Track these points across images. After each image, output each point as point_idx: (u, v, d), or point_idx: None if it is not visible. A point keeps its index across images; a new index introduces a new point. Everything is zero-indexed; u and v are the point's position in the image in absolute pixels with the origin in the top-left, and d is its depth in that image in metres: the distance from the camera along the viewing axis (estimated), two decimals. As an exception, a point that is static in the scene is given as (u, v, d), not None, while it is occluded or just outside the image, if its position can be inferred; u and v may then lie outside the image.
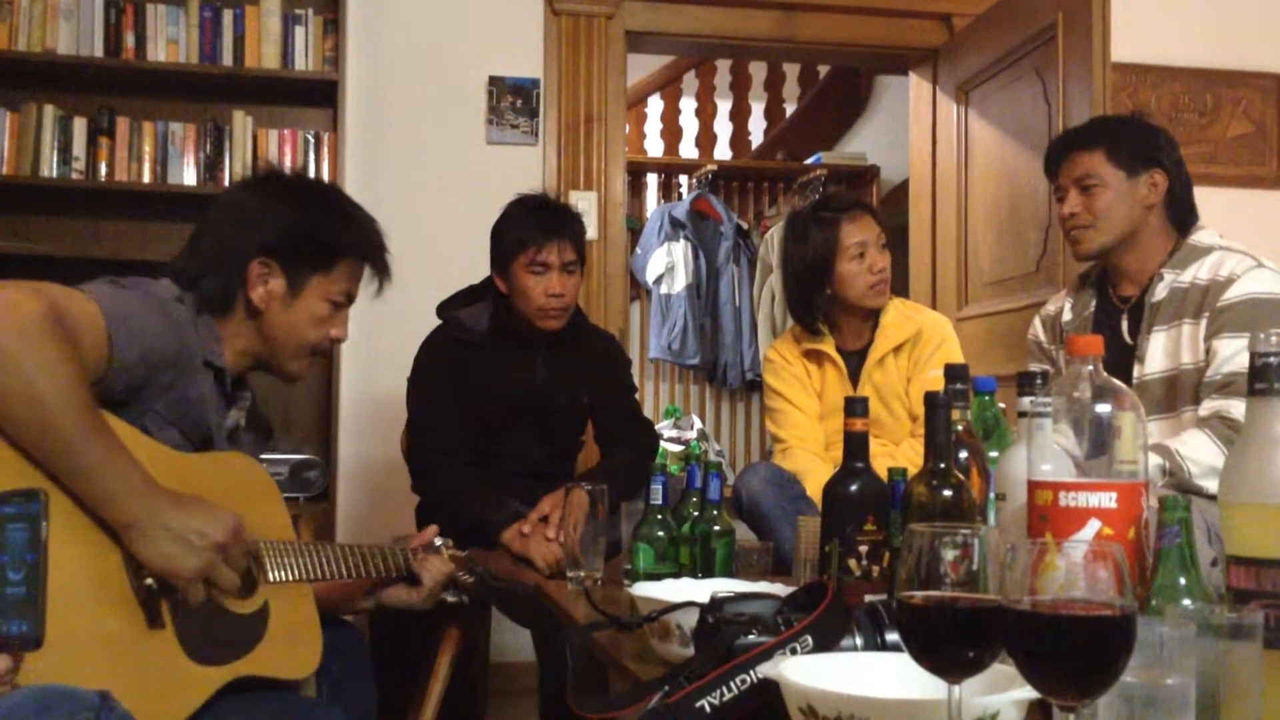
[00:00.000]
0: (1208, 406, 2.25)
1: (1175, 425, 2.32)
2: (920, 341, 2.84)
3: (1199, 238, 2.40)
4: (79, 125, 3.52)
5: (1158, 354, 2.34)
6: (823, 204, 2.93)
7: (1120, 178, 2.40)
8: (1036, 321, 2.71)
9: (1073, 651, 0.86)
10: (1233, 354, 2.22)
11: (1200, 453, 2.20)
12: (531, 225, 2.75)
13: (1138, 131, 2.47)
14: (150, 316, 1.57)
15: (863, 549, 1.53)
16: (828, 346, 2.87)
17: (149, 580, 1.42)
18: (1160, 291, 2.35)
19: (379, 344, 3.73)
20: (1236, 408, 2.18)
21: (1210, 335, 2.27)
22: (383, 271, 1.89)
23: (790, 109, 6.48)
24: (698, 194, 5.75)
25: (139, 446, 1.48)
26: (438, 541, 2.03)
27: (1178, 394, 2.32)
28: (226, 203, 1.84)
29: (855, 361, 2.87)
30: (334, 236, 1.79)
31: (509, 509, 2.59)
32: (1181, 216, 2.43)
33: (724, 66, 6.31)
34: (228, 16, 3.60)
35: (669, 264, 5.62)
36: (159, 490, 1.43)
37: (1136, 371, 2.36)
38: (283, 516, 1.74)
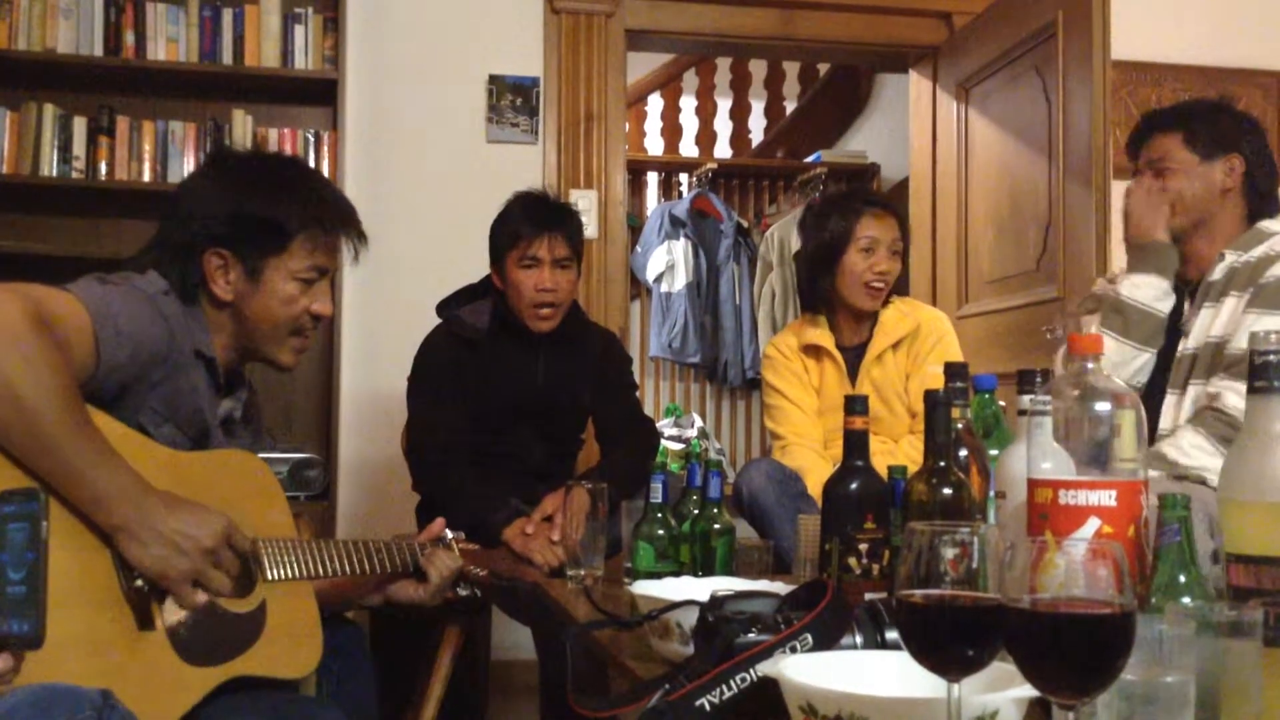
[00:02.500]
0: (1209, 390, 2.23)
1: (1178, 401, 2.30)
2: (919, 337, 2.85)
3: (1267, 223, 2.37)
4: (79, 124, 3.52)
5: (1198, 330, 2.32)
6: (854, 192, 2.95)
7: (1194, 161, 2.39)
8: (1102, 282, 2.63)
9: (1072, 649, 0.86)
10: (1250, 328, 2.19)
11: (1196, 456, 2.18)
12: (524, 220, 2.75)
13: (1219, 116, 2.45)
14: (139, 313, 1.55)
15: (862, 547, 1.53)
16: (827, 342, 2.87)
17: (139, 582, 1.42)
18: (1218, 272, 2.33)
19: (379, 342, 3.73)
20: (1233, 397, 2.16)
21: (1244, 310, 2.25)
22: (350, 237, 1.81)
23: (790, 107, 6.48)
24: (698, 192, 5.75)
25: (136, 447, 1.48)
26: (448, 535, 2.00)
27: (1196, 367, 2.30)
28: (179, 193, 1.80)
29: (854, 357, 2.87)
30: (279, 215, 1.71)
31: (510, 507, 2.59)
32: (1258, 205, 2.40)
33: (724, 64, 6.30)
34: (227, 15, 3.60)
35: (669, 262, 5.62)
36: (149, 492, 1.42)
37: (1180, 347, 2.34)
38: (284, 513, 1.73)
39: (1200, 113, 2.48)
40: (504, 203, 2.85)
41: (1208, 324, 2.30)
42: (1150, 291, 2.35)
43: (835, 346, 2.87)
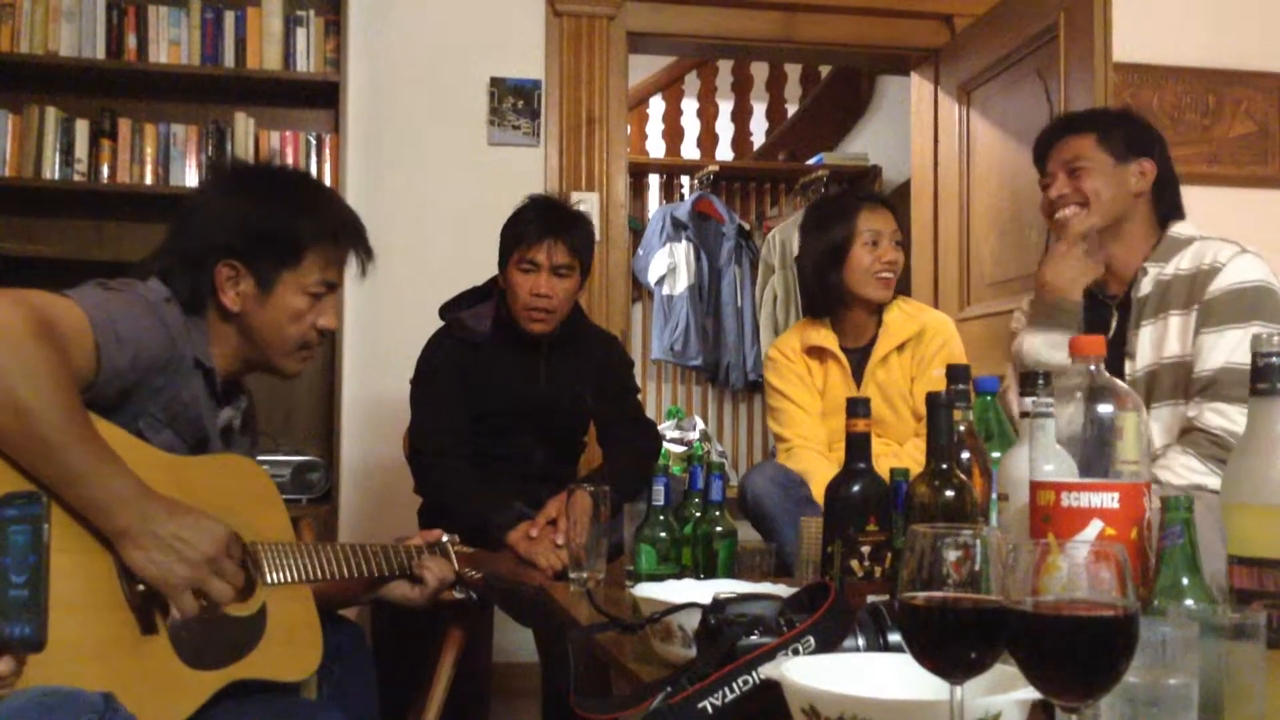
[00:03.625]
0: (1190, 414, 2.24)
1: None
2: (923, 340, 2.85)
3: (1178, 230, 2.38)
4: (81, 127, 3.52)
5: (1146, 349, 2.33)
6: (847, 192, 2.97)
7: (1109, 163, 2.39)
8: (1018, 314, 2.65)
9: (1075, 652, 0.85)
10: (1211, 349, 2.21)
11: (1188, 475, 2.18)
12: (529, 223, 2.75)
13: (1129, 120, 2.48)
14: (140, 319, 1.55)
15: (865, 549, 1.53)
16: (830, 344, 2.87)
17: (141, 586, 1.42)
18: (1145, 286, 2.34)
19: (381, 345, 3.73)
20: (1213, 416, 2.18)
21: (1197, 329, 2.26)
22: (358, 252, 1.83)
23: (792, 109, 6.48)
24: (699, 195, 5.75)
25: (135, 452, 1.48)
26: (445, 538, 2.02)
27: (1155, 388, 2.31)
28: (191, 204, 1.82)
29: (858, 359, 2.87)
30: (294, 230, 1.73)
31: (513, 510, 2.59)
32: (1166, 213, 2.42)
33: (725, 67, 6.31)
34: (229, 18, 3.61)
35: (671, 265, 5.62)
36: (151, 497, 1.42)
37: (1129, 369, 2.34)
38: (282, 518, 1.73)
39: (1112, 117, 2.50)
40: (505, 206, 2.85)
41: (1155, 342, 2.31)
42: (1056, 352, 2.31)
43: (839, 348, 2.87)
